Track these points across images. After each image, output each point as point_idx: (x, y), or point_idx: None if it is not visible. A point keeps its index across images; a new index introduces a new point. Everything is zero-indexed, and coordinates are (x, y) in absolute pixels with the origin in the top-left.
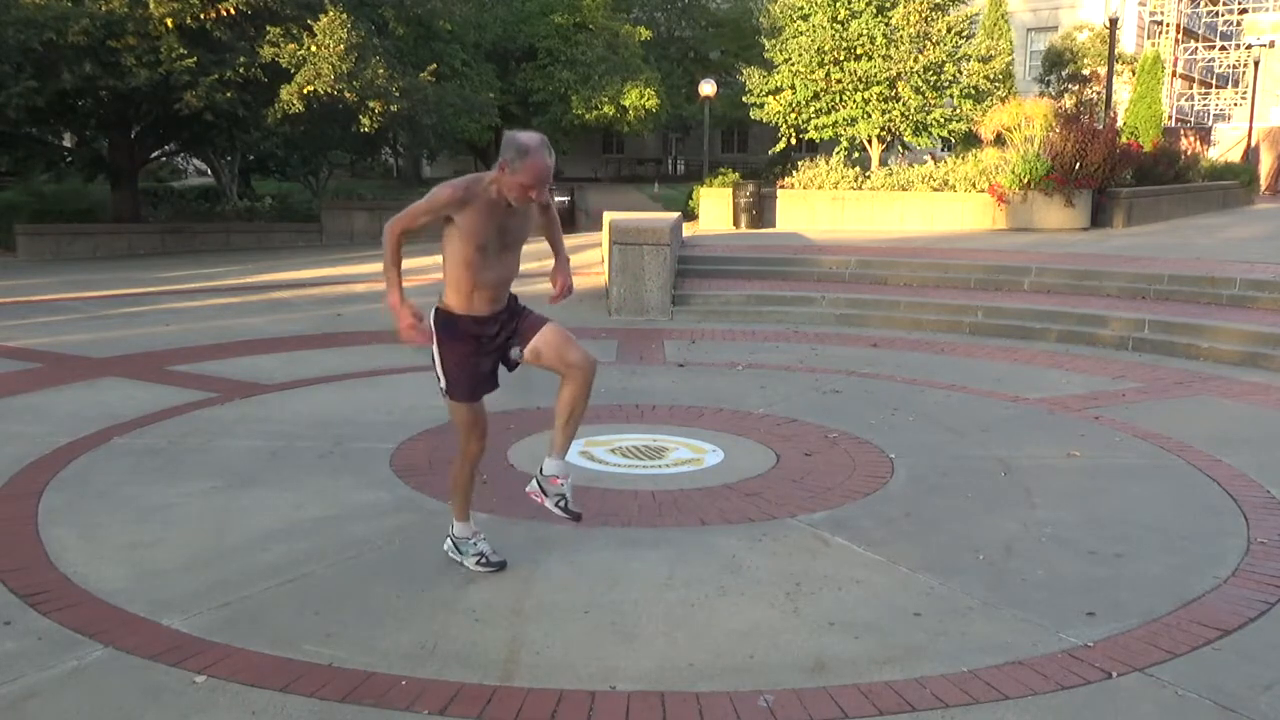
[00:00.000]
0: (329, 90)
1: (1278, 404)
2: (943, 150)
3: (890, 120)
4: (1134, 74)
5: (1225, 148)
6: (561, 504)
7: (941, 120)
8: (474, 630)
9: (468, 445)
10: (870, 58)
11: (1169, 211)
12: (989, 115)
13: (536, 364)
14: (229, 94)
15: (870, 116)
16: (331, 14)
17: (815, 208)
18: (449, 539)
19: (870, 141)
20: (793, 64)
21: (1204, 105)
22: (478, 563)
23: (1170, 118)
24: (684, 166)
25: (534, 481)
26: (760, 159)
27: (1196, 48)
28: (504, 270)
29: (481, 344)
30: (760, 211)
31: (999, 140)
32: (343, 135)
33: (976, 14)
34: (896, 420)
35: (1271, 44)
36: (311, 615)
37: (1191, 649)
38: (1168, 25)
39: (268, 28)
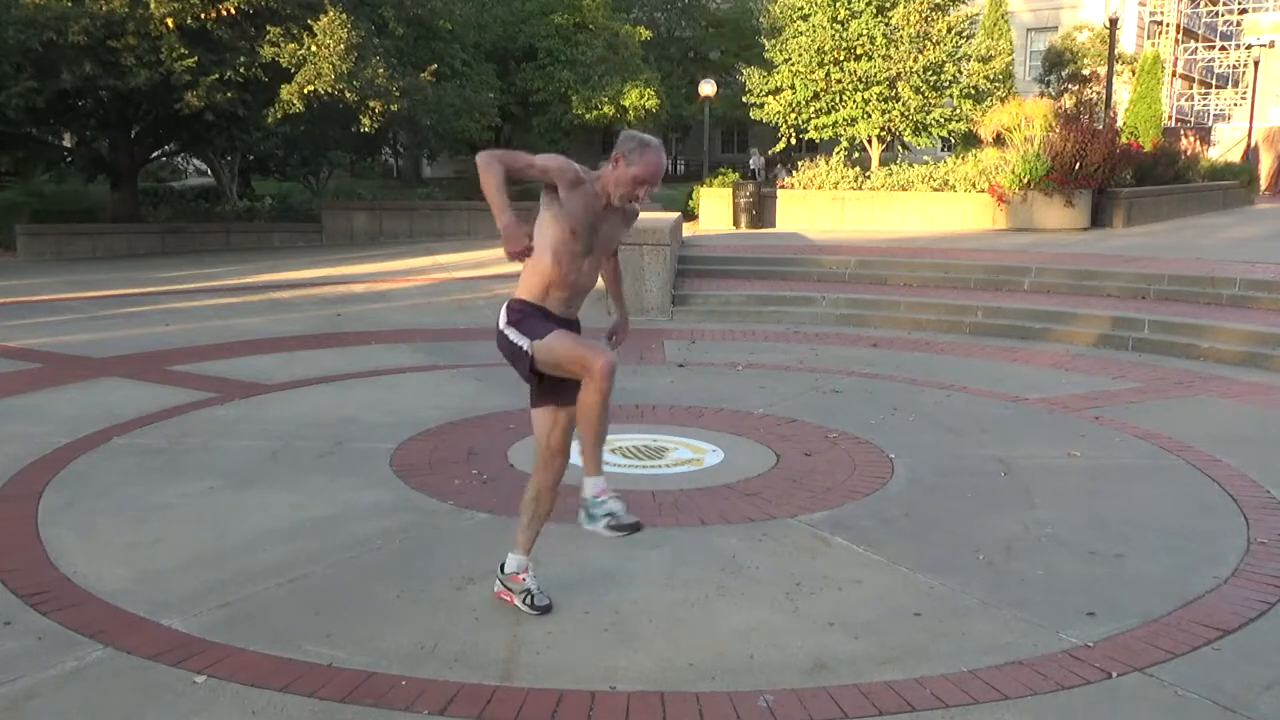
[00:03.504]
0: (329, 90)
1: (1278, 404)
2: (942, 150)
3: (890, 120)
4: (1134, 74)
5: (1225, 148)
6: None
7: (941, 120)
8: (474, 630)
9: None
10: (870, 58)
11: (1169, 211)
12: (989, 115)
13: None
14: (229, 94)
15: (870, 116)
16: (331, 14)
17: (815, 208)
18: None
19: (870, 141)
20: (793, 64)
21: (1204, 105)
22: (608, 525)
23: (1170, 118)
24: (684, 166)
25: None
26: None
27: (1196, 48)
28: (581, 276)
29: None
30: (760, 211)
31: (999, 140)
32: (343, 135)
33: (976, 14)
34: (896, 420)
35: (1271, 44)
36: (311, 615)
37: (1191, 649)
38: (1168, 25)
39: (268, 27)
